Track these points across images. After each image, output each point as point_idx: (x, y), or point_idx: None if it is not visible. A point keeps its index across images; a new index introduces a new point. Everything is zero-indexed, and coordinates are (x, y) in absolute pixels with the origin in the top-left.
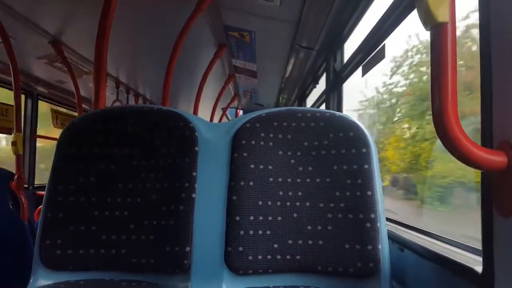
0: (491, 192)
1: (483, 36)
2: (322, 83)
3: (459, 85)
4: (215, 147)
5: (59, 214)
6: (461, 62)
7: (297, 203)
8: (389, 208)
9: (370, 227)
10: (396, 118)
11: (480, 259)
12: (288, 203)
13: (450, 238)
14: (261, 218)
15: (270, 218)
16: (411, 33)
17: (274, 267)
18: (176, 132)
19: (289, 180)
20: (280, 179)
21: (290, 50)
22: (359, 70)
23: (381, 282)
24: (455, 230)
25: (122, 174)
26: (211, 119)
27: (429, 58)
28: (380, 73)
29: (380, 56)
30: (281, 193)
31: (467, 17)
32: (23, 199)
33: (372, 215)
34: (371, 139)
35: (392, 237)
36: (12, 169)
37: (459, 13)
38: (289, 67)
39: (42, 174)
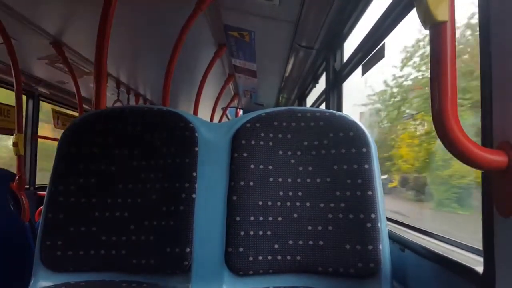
0: (491, 192)
1: (483, 36)
2: (322, 83)
3: None
4: (215, 147)
5: (60, 215)
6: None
7: (298, 203)
8: (399, 211)
9: (371, 227)
10: (408, 113)
11: (481, 259)
12: (288, 203)
13: (450, 238)
14: (261, 218)
15: (270, 218)
16: None
17: (275, 267)
18: (176, 132)
19: (289, 180)
20: (280, 179)
21: (289, 50)
22: (359, 69)
23: (382, 283)
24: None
25: (122, 175)
26: (211, 119)
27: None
28: (389, 65)
29: (380, 55)
30: (281, 193)
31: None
32: (24, 200)
33: (373, 215)
34: (371, 139)
35: (393, 237)
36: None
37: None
38: (289, 67)
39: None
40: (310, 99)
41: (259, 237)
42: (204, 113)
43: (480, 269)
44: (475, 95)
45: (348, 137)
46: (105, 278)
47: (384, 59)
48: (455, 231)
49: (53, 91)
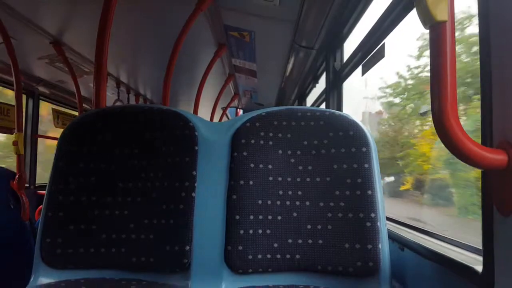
0: (491, 191)
1: (482, 36)
2: (322, 83)
3: None
4: (215, 146)
5: (60, 213)
6: None
7: (297, 202)
8: (417, 217)
9: (370, 227)
10: (425, 107)
11: (480, 258)
12: (288, 202)
13: (449, 237)
14: (261, 217)
15: (270, 217)
16: None
17: (274, 266)
18: (176, 132)
19: (289, 179)
20: (280, 178)
21: (289, 50)
22: (359, 69)
23: (381, 282)
24: None
25: (122, 174)
26: (211, 119)
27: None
28: (405, 55)
29: (380, 55)
30: (281, 192)
31: None
32: (24, 199)
33: (372, 214)
34: (371, 138)
35: (392, 237)
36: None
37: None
38: (289, 67)
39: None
40: (310, 99)
41: (259, 235)
42: (204, 113)
43: (479, 268)
44: None
45: (348, 136)
46: (105, 276)
47: (398, 48)
48: None
49: (53, 91)
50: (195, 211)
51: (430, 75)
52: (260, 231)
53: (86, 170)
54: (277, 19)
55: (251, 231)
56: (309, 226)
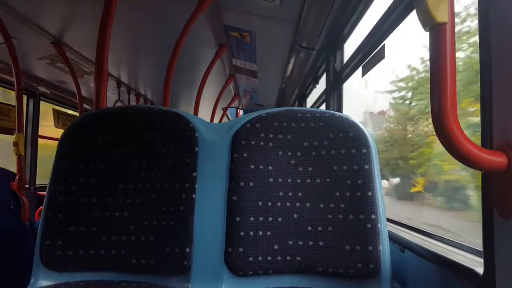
0: (491, 193)
1: (482, 37)
2: (322, 83)
3: None
4: (215, 148)
5: (60, 214)
6: None
7: (297, 204)
8: (436, 224)
9: (371, 228)
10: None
11: (481, 260)
12: (288, 204)
13: (450, 239)
14: (261, 218)
15: (270, 219)
16: None
17: (274, 268)
18: (176, 133)
19: (289, 180)
20: (280, 180)
21: (290, 50)
22: (359, 70)
23: (382, 283)
24: None
25: (122, 175)
26: (212, 119)
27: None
28: (419, 46)
29: (380, 56)
30: (281, 193)
31: None
32: (24, 200)
33: (373, 216)
34: (371, 140)
35: (393, 238)
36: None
37: None
38: (289, 67)
39: None
40: (311, 100)
41: (259, 237)
42: (204, 113)
43: (480, 270)
44: None
45: (348, 137)
46: (104, 278)
47: (413, 38)
48: None
49: (54, 91)
50: (195, 213)
51: (430, 77)
52: (260, 233)
53: (86, 171)
54: (278, 19)
55: (251, 233)
56: (309, 228)
